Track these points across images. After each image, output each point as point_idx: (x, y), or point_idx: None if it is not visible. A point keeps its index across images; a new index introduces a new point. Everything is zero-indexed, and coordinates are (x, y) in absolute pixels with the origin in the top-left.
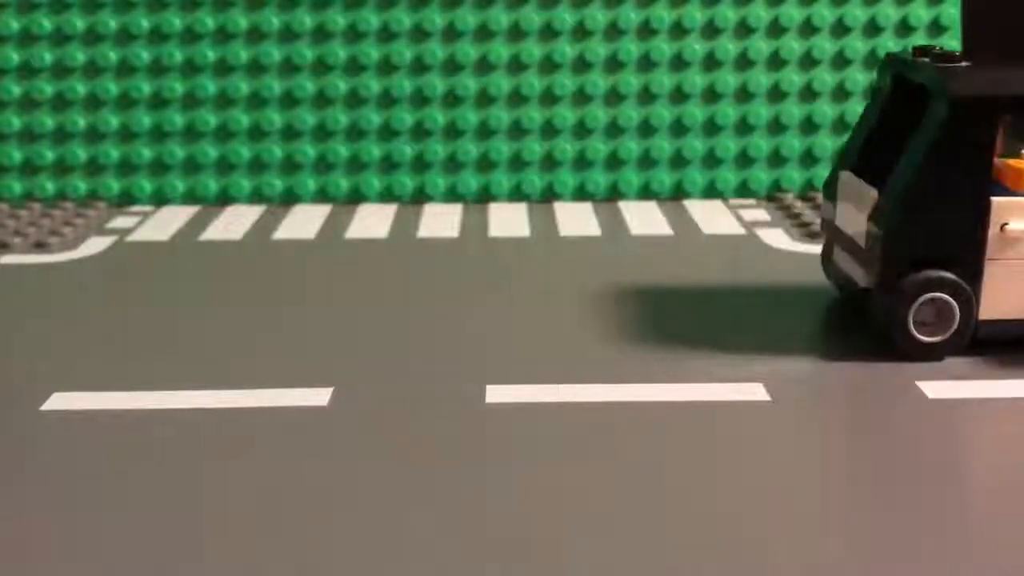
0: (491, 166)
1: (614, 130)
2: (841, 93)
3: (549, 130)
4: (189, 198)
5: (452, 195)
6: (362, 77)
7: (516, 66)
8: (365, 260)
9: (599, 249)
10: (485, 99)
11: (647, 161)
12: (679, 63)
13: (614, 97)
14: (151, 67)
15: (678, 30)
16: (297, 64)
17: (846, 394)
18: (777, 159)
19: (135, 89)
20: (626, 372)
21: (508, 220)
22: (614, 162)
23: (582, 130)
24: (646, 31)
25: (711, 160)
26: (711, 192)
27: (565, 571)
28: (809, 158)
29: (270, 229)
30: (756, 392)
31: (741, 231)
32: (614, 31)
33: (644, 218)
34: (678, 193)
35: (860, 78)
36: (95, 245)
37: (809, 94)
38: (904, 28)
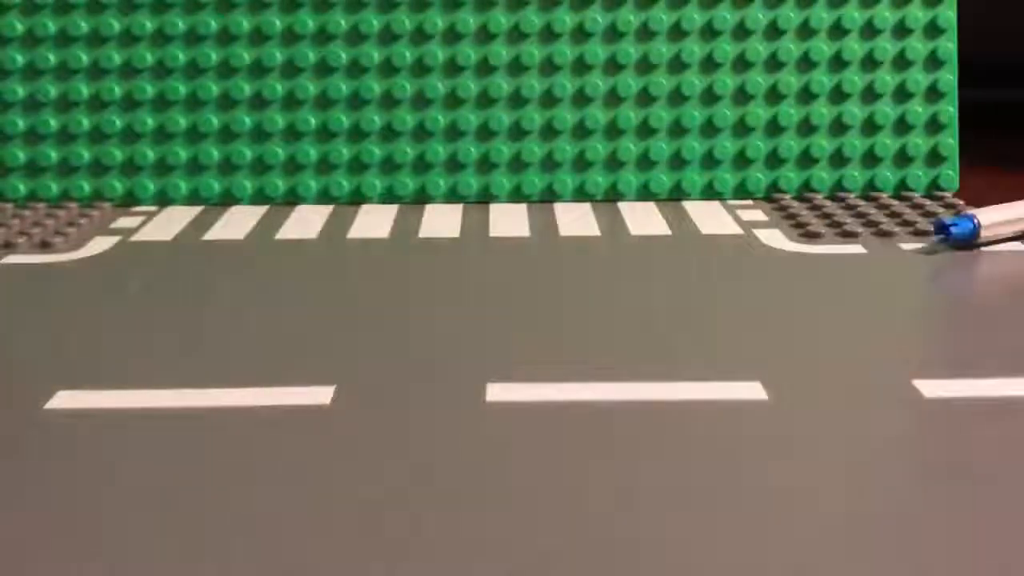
0: (492, 167)
1: (613, 131)
2: (839, 95)
3: (549, 131)
4: (192, 198)
5: (453, 195)
6: (364, 79)
7: (516, 68)
8: (366, 260)
9: (599, 249)
10: (485, 100)
11: (646, 162)
12: (678, 65)
13: (613, 98)
14: (155, 68)
15: (677, 32)
16: (299, 66)
17: (844, 394)
18: (775, 160)
19: (139, 90)
20: (626, 372)
21: (508, 220)
22: (613, 163)
23: (582, 131)
24: (645, 33)
25: (710, 161)
26: (709, 193)
27: (564, 570)
28: (807, 159)
29: (273, 229)
30: (755, 392)
31: (739, 231)
32: (613, 33)
33: (643, 218)
34: (677, 194)
35: (857, 80)
36: (99, 245)
37: (807, 96)
38: (901, 30)
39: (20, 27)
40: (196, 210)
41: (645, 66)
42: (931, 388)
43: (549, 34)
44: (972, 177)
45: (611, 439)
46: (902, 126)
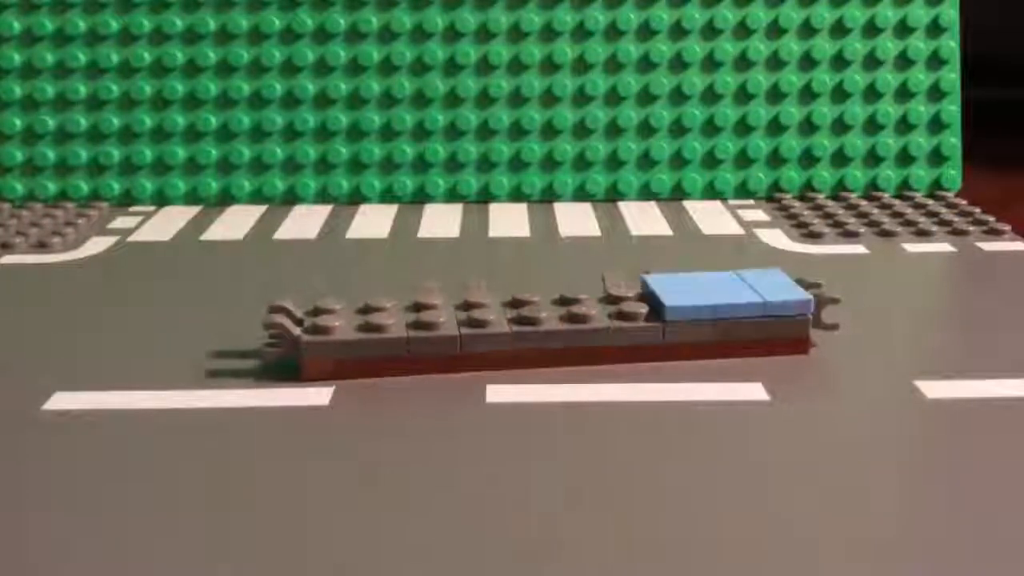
0: (491, 166)
1: (614, 131)
2: (840, 94)
3: (549, 131)
4: (190, 198)
5: (452, 195)
6: (363, 78)
7: (516, 67)
8: (366, 260)
9: (600, 249)
10: (485, 99)
11: (647, 162)
12: (678, 64)
13: (614, 97)
14: (152, 68)
15: (678, 31)
16: (298, 65)
17: (845, 394)
18: (776, 160)
19: (137, 90)
20: (626, 372)
21: (508, 220)
22: (614, 163)
23: (582, 131)
24: (646, 32)
25: (710, 161)
26: (711, 192)
27: (565, 570)
28: (808, 159)
29: (271, 229)
30: (755, 392)
31: (740, 231)
32: (614, 32)
33: (644, 218)
34: (678, 193)
35: (859, 79)
36: (96, 245)
37: (808, 95)
38: (902, 29)
39: (17, 26)
40: (194, 210)
41: (646, 65)
42: (933, 388)
43: (549, 33)
44: (974, 177)
45: (612, 439)
46: (904, 126)
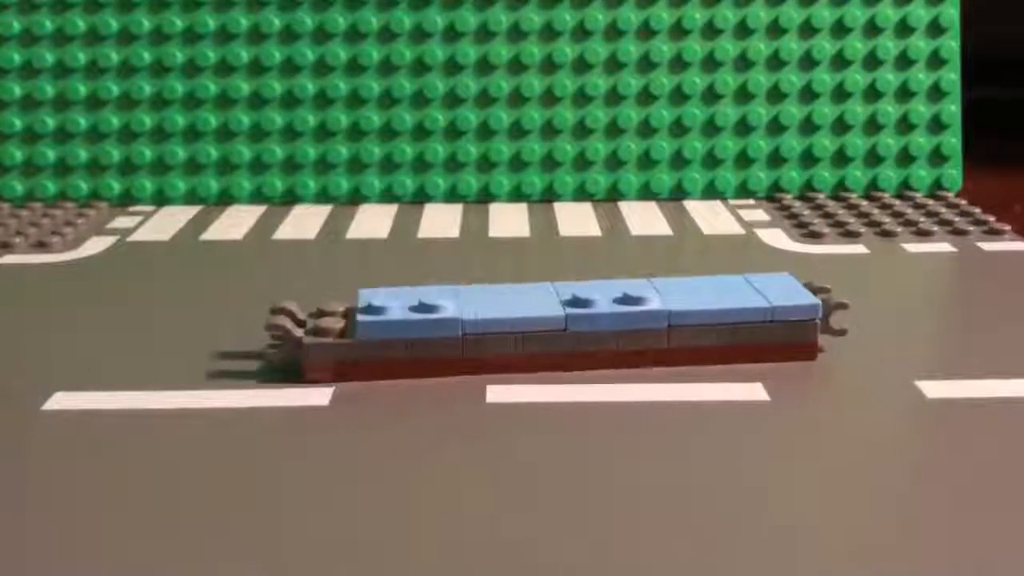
0: (491, 166)
1: (614, 131)
2: (840, 94)
3: (549, 131)
4: (190, 198)
5: (452, 195)
6: (363, 77)
7: (516, 67)
8: (366, 260)
9: (600, 249)
10: (485, 99)
11: (647, 161)
12: (679, 64)
13: (614, 97)
14: (152, 67)
15: (678, 31)
16: (298, 64)
17: (845, 394)
18: (776, 159)
19: (136, 89)
20: (626, 372)
21: (508, 220)
22: (614, 162)
23: (582, 131)
24: (646, 31)
25: (711, 160)
26: (711, 192)
27: (565, 570)
28: (808, 158)
29: (271, 229)
30: (756, 392)
31: (741, 231)
32: (614, 32)
33: (644, 218)
34: (678, 193)
35: (859, 79)
36: (96, 245)
37: (808, 95)
38: (903, 28)
39: (17, 25)
40: (194, 210)
41: (646, 64)
42: (933, 388)
43: (549, 32)
44: (974, 177)
45: (611, 440)
46: (904, 125)
